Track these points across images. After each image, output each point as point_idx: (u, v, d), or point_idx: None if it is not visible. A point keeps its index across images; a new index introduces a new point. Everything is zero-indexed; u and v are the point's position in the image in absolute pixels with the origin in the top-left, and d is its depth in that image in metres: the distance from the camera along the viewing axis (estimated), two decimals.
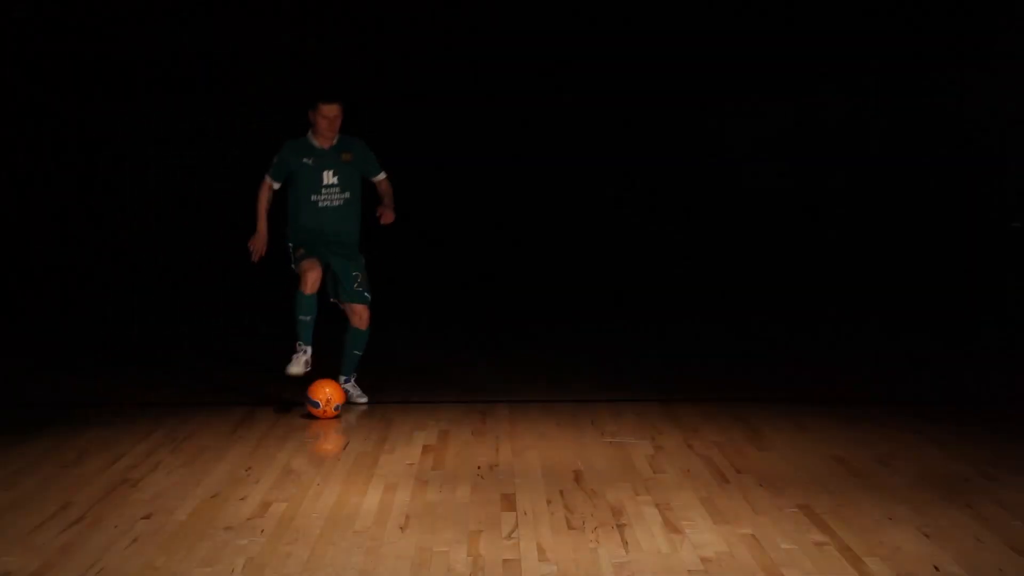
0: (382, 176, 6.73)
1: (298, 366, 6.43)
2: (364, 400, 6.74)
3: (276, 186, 6.58)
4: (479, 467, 5.38)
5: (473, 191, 12.57)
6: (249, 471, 5.30)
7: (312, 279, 6.33)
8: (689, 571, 3.97)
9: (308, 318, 6.39)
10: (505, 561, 4.07)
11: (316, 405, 6.36)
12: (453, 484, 5.07)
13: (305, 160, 6.49)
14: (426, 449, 5.73)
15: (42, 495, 4.90)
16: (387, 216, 6.58)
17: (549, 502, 4.78)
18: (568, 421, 6.31)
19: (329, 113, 6.44)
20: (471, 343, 9.17)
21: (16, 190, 12.60)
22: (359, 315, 6.62)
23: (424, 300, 11.41)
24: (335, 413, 6.40)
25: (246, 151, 12.35)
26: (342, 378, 6.69)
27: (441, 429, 6.14)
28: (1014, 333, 9.35)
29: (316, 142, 6.52)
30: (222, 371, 8.04)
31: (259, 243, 6.55)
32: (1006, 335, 9.31)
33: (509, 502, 4.79)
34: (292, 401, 6.83)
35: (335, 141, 6.55)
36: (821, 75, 12.89)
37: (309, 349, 6.46)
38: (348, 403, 6.64)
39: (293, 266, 6.51)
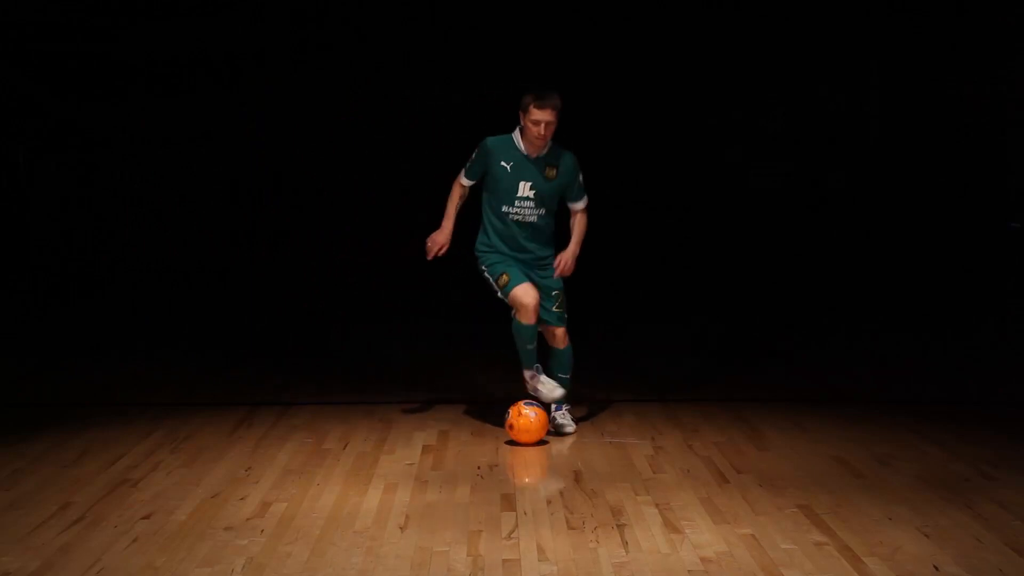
0: (581, 204, 5.98)
1: (547, 388, 5.93)
2: (571, 430, 6.00)
3: (468, 183, 5.97)
4: (479, 467, 5.38)
5: (473, 189, 12.57)
6: (249, 471, 5.30)
7: (531, 306, 5.77)
8: (689, 571, 3.97)
9: (532, 346, 5.91)
10: (505, 561, 4.07)
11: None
12: (453, 484, 5.07)
13: (503, 163, 5.82)
14: (426, 449, 5.73)
15: (42, 495, 4.90)
16: (565, 265, 5.87)
17: (549, 502, 4.79)
18: None
19: (541, 117, 5.68)
20: (471, 343, 9.16)
21: (16, 190, 12.60)
22: (557, 336, 6.02)
23: (424, 300, 11.40)
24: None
25: (246, 151, 12.38)
26: (552, 407, 6.02)
27: (441, 429, 6.14)
28: (1014, 333, 9.34)
29: (522, 146, 5.82)
30: (222, 371, 8.04)
31: (441, 239, 5.92)
32: (1006, 335, 9.31)
33: (509, 502, 4.79)
34: (292, 401, 6.84)
35: (545, 151, 5.82)
36: (821, 74, 12.89)
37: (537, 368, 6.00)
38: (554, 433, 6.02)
39: (500, 295, 5.92)
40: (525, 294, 5.74)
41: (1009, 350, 8.57)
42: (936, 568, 3.96)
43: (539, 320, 5.87)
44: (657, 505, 4.72)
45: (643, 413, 6.46)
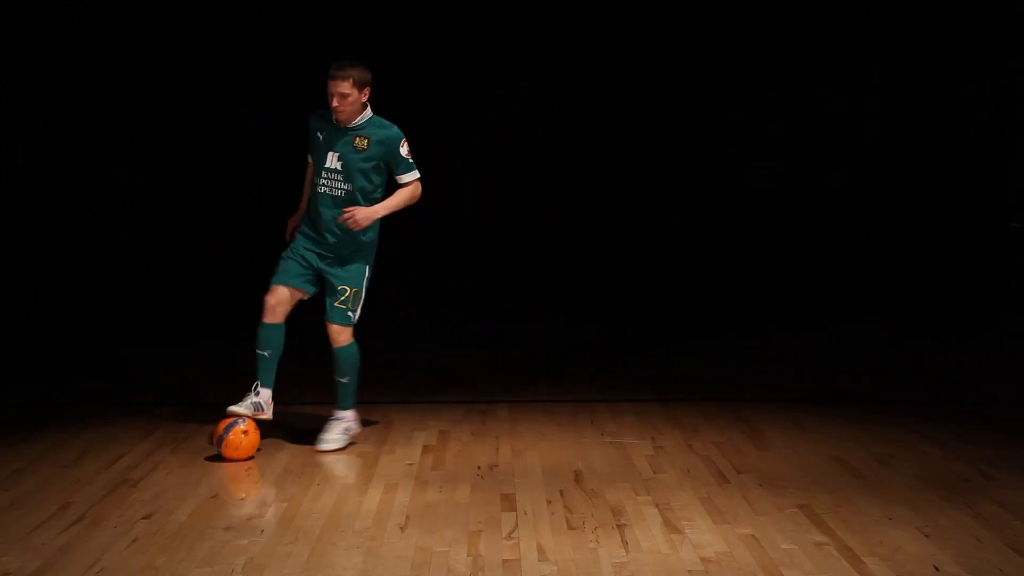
0: (407, 177, 5.62)
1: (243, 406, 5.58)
2: (327, 447, 5.68)
3: (311, 161, 5.74)
4: (479, 467, 5.38)
5: (473, 190, 12.57)
6: (249, 471, 5.30)
7: (271, 304, 5.57)
8: (689, 571, 3.97)
9: (266, 353, 5.63)
10: (505, 561, 4.07)
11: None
12: (453, 484, 5.07)
13: (319, 133, 5.61)
14: (426, 449, 5.73)
15: (42, 495, 4.90)
16: (351, 216, 5.48)
17: (549, 502, 4.79)
18: (568, 421, 6.31)
19: (333, 88, 5.43)
20: (471, 343, 9.16)
21: (16, 190, 12.60)
22: (332, 333, 5.71)
23: (424, 300, 11.40)
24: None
25: (246, 151, 12.38)
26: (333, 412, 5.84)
27: (441, 429, 6.14)
28: (1014, 333, 9.34)
29: (335, 116, 5.54)
30: (222, 371, 8.03)
31: (293, 221, 5.79)
32: (1006, 335, 9.30)
33: (509, 502, 4.79)
34: (292, 402, 6.83)
35: (359, 122, 5.54)
36: (821, 74, 12.90)
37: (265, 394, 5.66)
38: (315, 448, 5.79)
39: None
40: (272, 294, 5.59)
41: (1009, 350, 8.57)
42: (936, 568, 3.96)
43: (284, 323, 5.65)
44: (657, 505, 4.72)
45: (643, 413, 6.46)
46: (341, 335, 5.68)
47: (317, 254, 5.66)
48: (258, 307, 5.61)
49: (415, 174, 5.64)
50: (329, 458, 5.55)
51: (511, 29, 12.39)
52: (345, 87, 5.42)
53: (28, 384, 7.62)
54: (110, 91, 12.49)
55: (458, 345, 9.04)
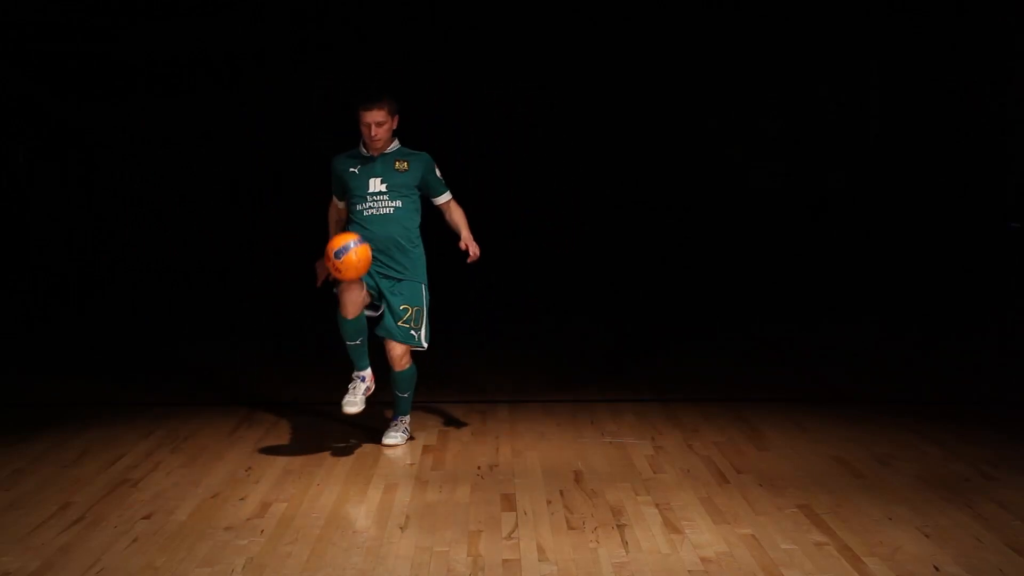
0: (445, 198, 5.83)
1: (354, 400, 5.69)
2: (391, 442, 5.82)
3: (339, 204, 5.86)
4: (479, 467, 5.38)
5: (473, 190, 12.57)
6: (249, 471, 5.30)
7: (351, 301, 5.52)
8: (689, 571, 3.97)
9: (358, 341, 5.68)
10: (505, 561, 4.07)
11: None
12: (453, 484, 5.07)
13: (352, 169, 5.70)
14: (426, 449, 5.73)
15: (42, 495, 4.90)
16: (471, 246, 5.75)
17: (549, 502, 4.79)
18: (568, 421, 6.31)
19: (370, 119, 5.56)
20: (471, 343, 9.17)
21: (16, 190, 12.61)
22: (394, 355, 5.75)
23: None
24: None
25: (246, 151, 12.39)
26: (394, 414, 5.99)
27: (441, 429, 6.14)
28: (1014, 333, 9.35)
29: (364, 151, 5.71)
30: (222, 371, 8.04)
31: (323, 266, 5.63)
32: (1006, 335, 9.31)
33: (509, 502, 4.79)
34: (292, 401, 6.83)
35: (390, 150, 5.70)
36: (821, 75, 12.89)
37: (366, 374, 5.75)
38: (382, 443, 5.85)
39: (335, 289, 5.66)
40: (348, 288, 5.51)
41: (1009, 350, 8.57)
42: (936, 568, 3.96)
43: (363, 317, 5.65)
44: (657, 505, 4.72)
45: (643, 413, 6.46)
46: (403, 357, 5.77)
47: (375, 270, 5.60)
48: (332, 303, 5.62)
49: (449, 193, 5.86)
50: (329, 458, 5.55)
51: (511, 29, 12.39)
52: (380, 116, 5.58)
53: (28, 384, 7.62)
54: (110, 91, 12.49)
55: (458, 345, 9.04)
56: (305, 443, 5.82)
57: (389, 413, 6.26)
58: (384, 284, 5.66)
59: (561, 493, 4.92)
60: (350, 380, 5.75)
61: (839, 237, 12.71)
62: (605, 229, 13.00)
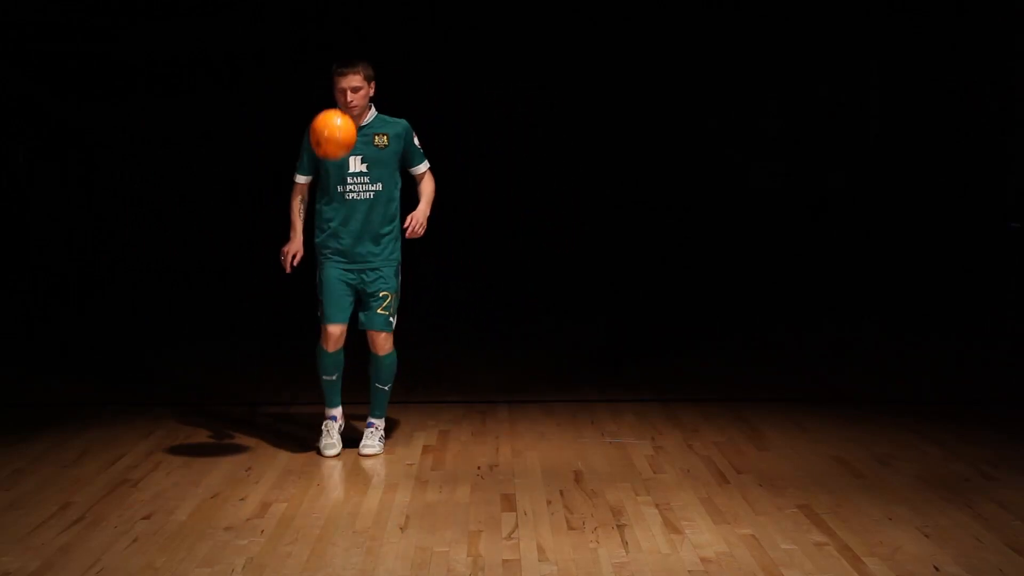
0: (423, 168, 5.60)
1: (333, 442, 5.61)
2: (373, 452, 5.64)
3: (303, 180, 5.58)
4: (479, 467, 5.38)
5: (473, 190, 12.57)
6: (249, 471, 5.30)
7: (334, 334, 5.51)
8: (689, 571, 3.97)
9: (334, 376, 5.64)
10: (505, 561, 4.07)
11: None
12: (453, 484, 5.07)
13: None
14: (426, 449, 5.73)
15: (42, 495, 4.90)
16: (415, 225, 5.45)
17: (549, 502, 4.79)
18: (568, 421, 6.31)
19: (345, 84, 5.31)
20: (471, 343, 9.16)
21: (16, 190, 12.61)
22: (378, 340, 5.60)
23: (423, 300, 11.39)
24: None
25: (246, 151, 12.39)
26: (368, 419, 5.79)
27: (441, 429, 6.14)
28: (1014, 333, 9.34)
29: (348, 112, 5.36)
30: (222, 371, 8.04)
31: (292, 248, 5.50)
32: (1006, 335, 9.30)
33: (509, 502, 4.79)
34: (292, 401, 6.83)
35: (368, 120, 5.45)
36: (821, 75, 12.90)
37: (338, 412, 5.72)
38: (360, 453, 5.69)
39: (319, 313, 5.57)
40: (333, 329, 5.50)
41: (1009, 350, 8.57)
42: (936, 568, 3.96)
43: (344, 346, 5.56)
44: (657, 505, 4.72)
45: (643, 413, 6.46)
46: (386, 342, 5.60)
47: (353, 272, 5.51)
48: (315, 333, 5.57)
49: (427, 163, 5.64)
50: (329, 458, 5.55)
51: (511, 29, 12.39)
52: (356, 80, 5.34)
53: (28, 384, 7.62)
54: (110, 91, 12.49)
55: (458, 345, 9.04)
56: (305, 443, 5.82)
57: (390, 413, 6.25)
58: (362, 277, 5.51)
59: (561, 493, 4.92)
60: (323, 422, 5.68)
61: (839, 237, 12.71)
62: (605, 229, 13.00)
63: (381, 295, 5.52)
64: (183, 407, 6.68)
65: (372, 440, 5.67)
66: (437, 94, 12.17)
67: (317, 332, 5.59)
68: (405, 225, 5.47)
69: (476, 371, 7.89)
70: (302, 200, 5.60)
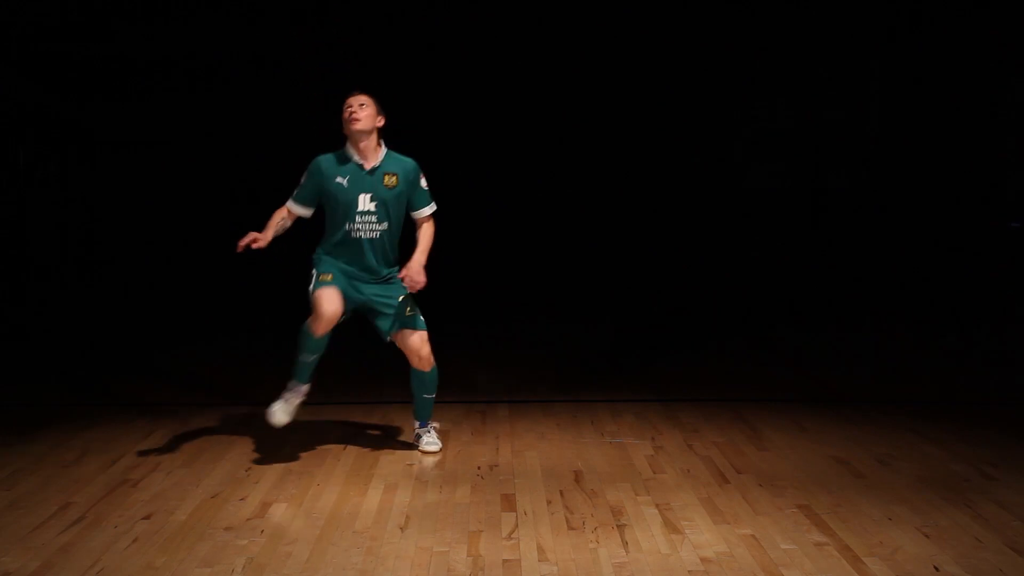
0: (427, 211, 5.49)
1: (287, 408, 5.46)
2: (435, 448, 5.66)
3: (296, 211, 5.43)
4: (479, 467, 5.37)
5: (473, 191, 12.58)
6: (249, 471, 5.30)
7: (327, 314, 5.22)
8: (689, 571, 3.97)
9: (312, 358, 5.43)
10: (505, 561, 4.07)
11: None
12: (453, 484, 5.07)
13: (340, 180, 5.33)
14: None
15: (42, 495, 4.90)
16: (413, 275, 5.31)
17: (549, 502, 4.78)
18: (568, 421, 6.31)
19: (353, 100, 5.29)
20: (471, 343, 9.17)
21: (16, 190, 12.61)
22: (422, 354, 5.55)
23: (423, 300, 11.39)
24: None
25: (246, 151, 12.39)
26: (416, 423, 5.76)
27: (441, 429, 6.14)
28: (1014, 333, 9.35)
29: (354, 156, 5.35)
30: (222, 371, 8.04)
31: (257, 235, 5.31)
32: (1006, 334, 9.31)
33: (509, 502, 4.79)
34: None
35: (379, 160, 5.38)
36: (822, 75, 12.90)
37: (306, 388, 5.52)
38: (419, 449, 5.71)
39: (310, 287, 5.34)
40: (329, 300, 5.21)
41: (1009, 350, 8.57)
42: (936, 568, 3.96)
43: (328, 336, 5.33)
44: (657, 505, 4.72)
45: (643, 413, 6.46)
46: (429, 353, 5.55)
47: (359, 285, 5.41)
48: (305, 311, 5.34)
49: (433, 206, 5.54)
50: (329, 458, 5.55)
51: (511, 29, 12.40)
52: (363, 99, 5.30)
53: (28, 384, 7.62)
54: (110, 91, 12.49)
55: (458, 345, 9.04)
56: (305, 443, 5.82)
57: (390, 413, 6.28)
58: (370, 291, 5.41)
59: (561, 493, 4.91)
60: (285, 388, 5.47)
61: (839, 237, 12.72)
62: (606, 229, 13.00)
63: (402, 300, 5.43)
64: (183, 407, 6.68)
65: (432, 436, 5.68)
66: (437, 94, 12.18)
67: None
68: (401, 276, 5.36)
69: (476, 371, 7.89)
70: (285, 219, 5.44)
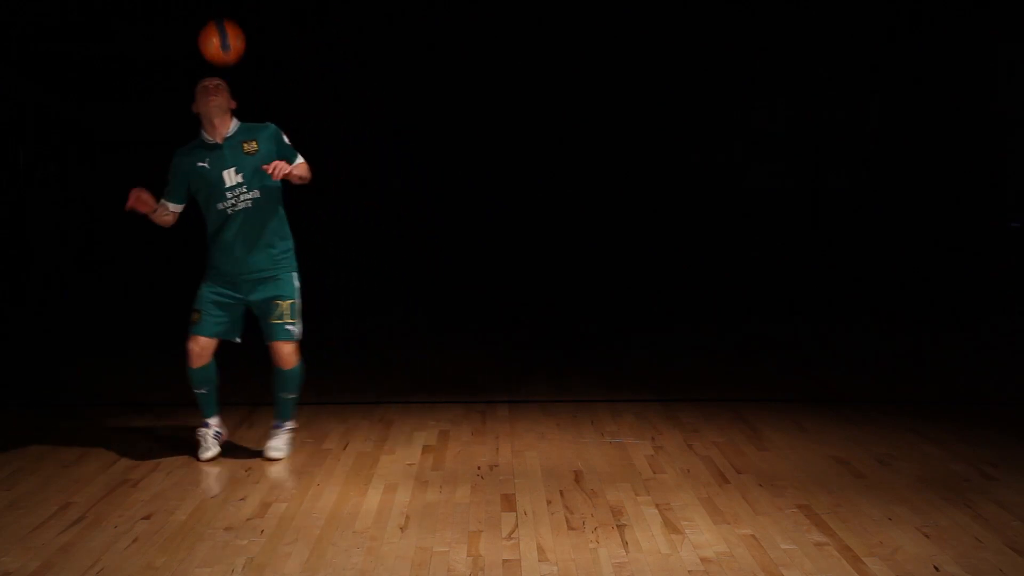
0: (298, 162, 5.42)
1: (208, 447, 5.52)
2: (278, 455, 5.54)
3: (173, 208, 5.51)
4: (479, 467, 5.38)
5: (473, 191, 12.58)
6: (249, 471, 5.30)
7: (197, 352, 5.48)
8: (689, 571, 3.97)
9: (204, 390, 5.58)
10: (505, 561, 4.07)
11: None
12: (453, 484, 5.07)
13: (201, 164, 5.34)
14: (426, 449, 5.73)
15: (42, 495, 4.90)
16: (279, 168, 5.17)
17: (549, 502, 4.79)
18: (568, 421, 6.31)
19: (208, 82, 5.32)
20: (471, 343, 9.17)
21: (16, 190, 12.61)
22: (281, 355, 5.51)
23: (423, 300, 11.40)
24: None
25: None
26: (273, 423, 5.69)
27: (441, 429, 6.14)
28: (1014, 332, 9.35)
29: (208, 137, 5.34)
30: (222, 371, 8.03)
31: (137, 196, 5.44)
32: (1006, 334, 9.31)
33: (509, 502, 4.79)
34: None
35: (232, 131, 5.36)
36: (822, 75, 12.90)
37: (213, 422, 5.61)
38: (263, 456, 5.60)
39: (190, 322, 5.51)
40: (197, 355, 5.48)
41: (1009, 350, 8.57)
42: (936, 568, 3.96)
43: (209, 366, 5.54)
44: (657, 505, 4.72)
45: (643, 413, 6.46)
46: (290, 355, 5.49)
47: (231, 295, 5.44)
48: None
49: (301, 157, 5.46)
50: (329, 458, 5.55)
51: (511, 29, 12.40)
52: (218, 80, 5.36)
53: (29, 384, 7.62)
54: (110, 91, 12.49)
55: (458, 345, 9.04)
56: (305, 443, 5.82)
57: (390, 413, 6.28)
58: (253, 295, 5.41)
59: (561, 493, 4.92)
60: (198, 431, 5.57)
61: (839, 237, 12.72)
62: (604, 229, 13.00)
63: (273, 304, 5.41)
64: (183, 407, 6.67)
65: (281, 441, 5.59)
66: (437, 94, 12.17)
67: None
68: (269, 168, 5.20)
69: (476, 371, 7.89)
70: (164, 214, 5.53)
